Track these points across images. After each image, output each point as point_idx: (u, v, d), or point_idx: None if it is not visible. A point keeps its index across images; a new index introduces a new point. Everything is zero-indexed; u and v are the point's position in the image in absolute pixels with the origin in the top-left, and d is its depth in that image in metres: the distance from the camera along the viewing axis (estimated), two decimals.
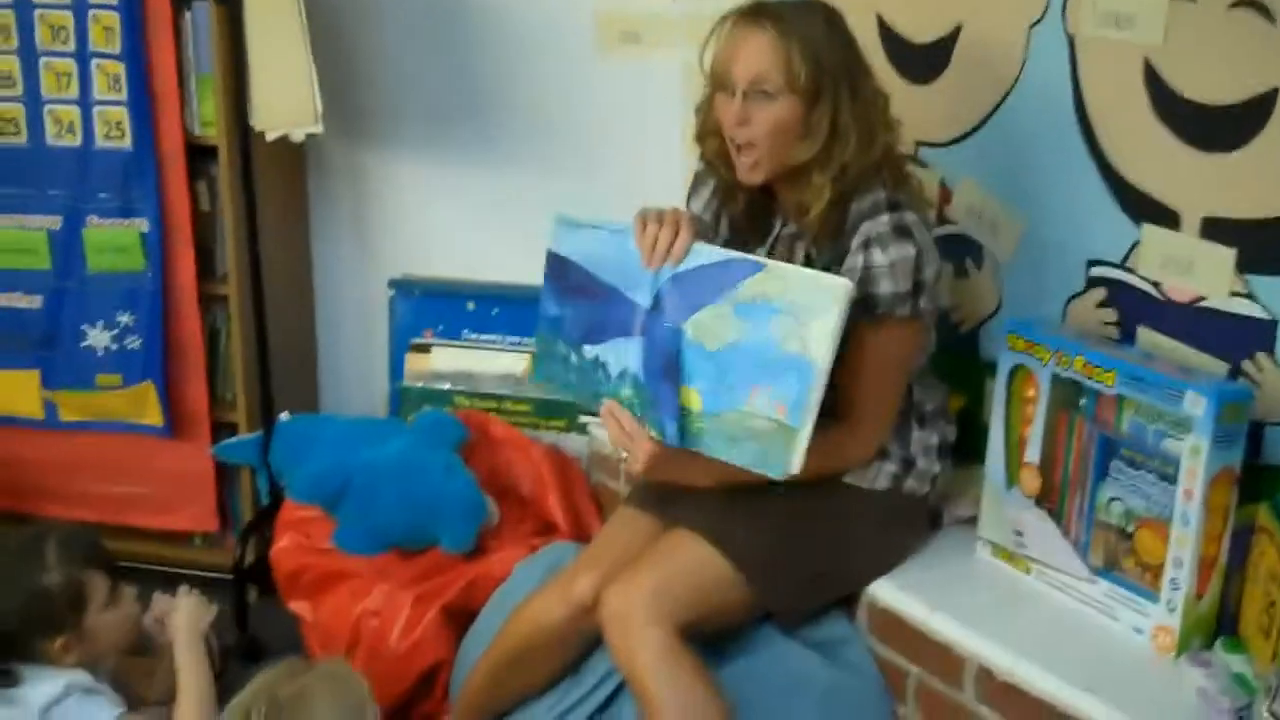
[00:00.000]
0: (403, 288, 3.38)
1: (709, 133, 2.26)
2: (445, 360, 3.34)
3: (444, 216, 3.39)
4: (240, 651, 3.09)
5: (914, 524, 2.43)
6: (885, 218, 2.17)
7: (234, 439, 3.20)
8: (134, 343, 3.15)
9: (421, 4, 3.25)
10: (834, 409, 2.16)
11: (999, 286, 2.62)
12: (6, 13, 3.00)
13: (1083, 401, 2.20)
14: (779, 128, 2.14)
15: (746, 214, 2.34)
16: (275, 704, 1.59)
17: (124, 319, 3.14)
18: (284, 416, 3.13)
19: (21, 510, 3.44)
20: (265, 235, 3.24)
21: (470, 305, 3.31)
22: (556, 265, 2.26)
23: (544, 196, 3.16)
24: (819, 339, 1.99)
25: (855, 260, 2.17)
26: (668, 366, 2.11)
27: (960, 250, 2.68)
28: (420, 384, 3.33)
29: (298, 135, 2.93)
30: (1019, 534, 2.33)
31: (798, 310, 2.01)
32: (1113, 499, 2.16)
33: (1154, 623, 2.12)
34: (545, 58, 3.19)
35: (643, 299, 2.14)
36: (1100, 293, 2.39)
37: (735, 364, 2.07)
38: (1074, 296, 2.44)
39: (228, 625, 3.09)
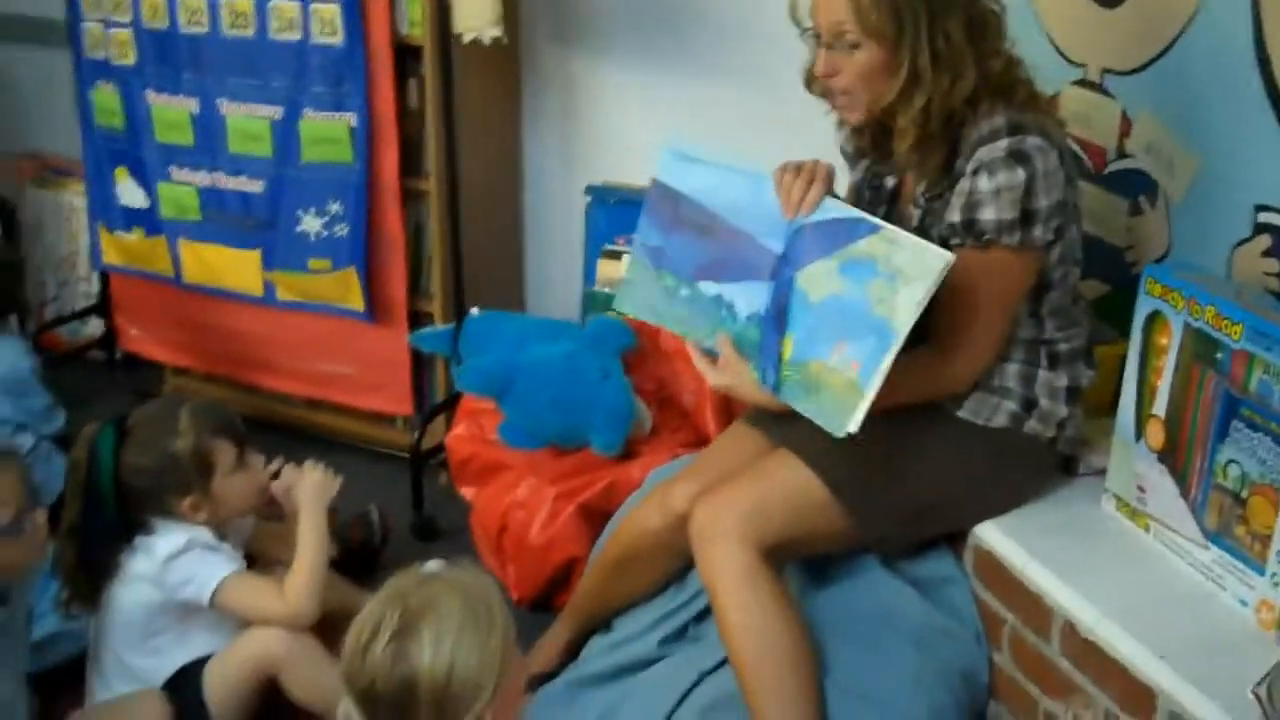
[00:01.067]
0: (599, 194, 3.44)
1: (813, 77, 2.21)
2: None
3: (642, 125, 3.42)
4: (415, 530, 3.27)
5: (1035, 467, 2.33)
6: (1004, 142, 2.08)
7: (429, 329, 3.35)
8: (342, 230, 3.33)
9: None
10: (932, 333, 2.10)
11: (1171, 227, 2.46)
12: None
13: (1219, 355, 2.05)
14: (867, 74, 2.09)
15: (873, 146, 2.29)
16: (407, 611, 1.68)
17: (334, 207, 3.32)
18: (474, 311, 3.25)
19: (241, 379, 3.72)
20: (473, 135, 3.36)
21: None
22: (666, 196, 2.26)
23: (740, 109, 3.19)
24: (904, 307, 1.97)
25: (964, 185, 2.10)
26: (779, 314, 2.11)
27: (1136, 186, 2.53)
28: (609, 289, 3.39)
29: (486, 38, 3.01)
30: (1141, 490, 2.21)
31: (895, 275, 2.00)
32: (1230, 461, 2.02)
33: (1259, 596, 1.98)
34: None
35: (776, 246, 2.13)
36: (1265, 240, 2.22)
37: (829, 317, 2.06)
38: (1240, 243, 2.27)
39: (404, 503, 3.28)
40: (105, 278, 3.89)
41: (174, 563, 2.33)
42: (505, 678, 1.68)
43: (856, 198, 2.39)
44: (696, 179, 2.24)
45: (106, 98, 3.56)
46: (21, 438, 3.17)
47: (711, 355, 2.21)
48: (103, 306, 3.95)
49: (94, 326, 4.06)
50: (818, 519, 2.21)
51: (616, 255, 3.40)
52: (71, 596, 2.43)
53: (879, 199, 2.35)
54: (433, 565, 1.78)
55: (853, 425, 1.99)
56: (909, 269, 1.99)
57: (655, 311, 2.29)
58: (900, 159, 2.21)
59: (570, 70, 3.50)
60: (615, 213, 3.41)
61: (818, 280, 2.09)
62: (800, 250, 2.11)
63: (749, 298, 2.17)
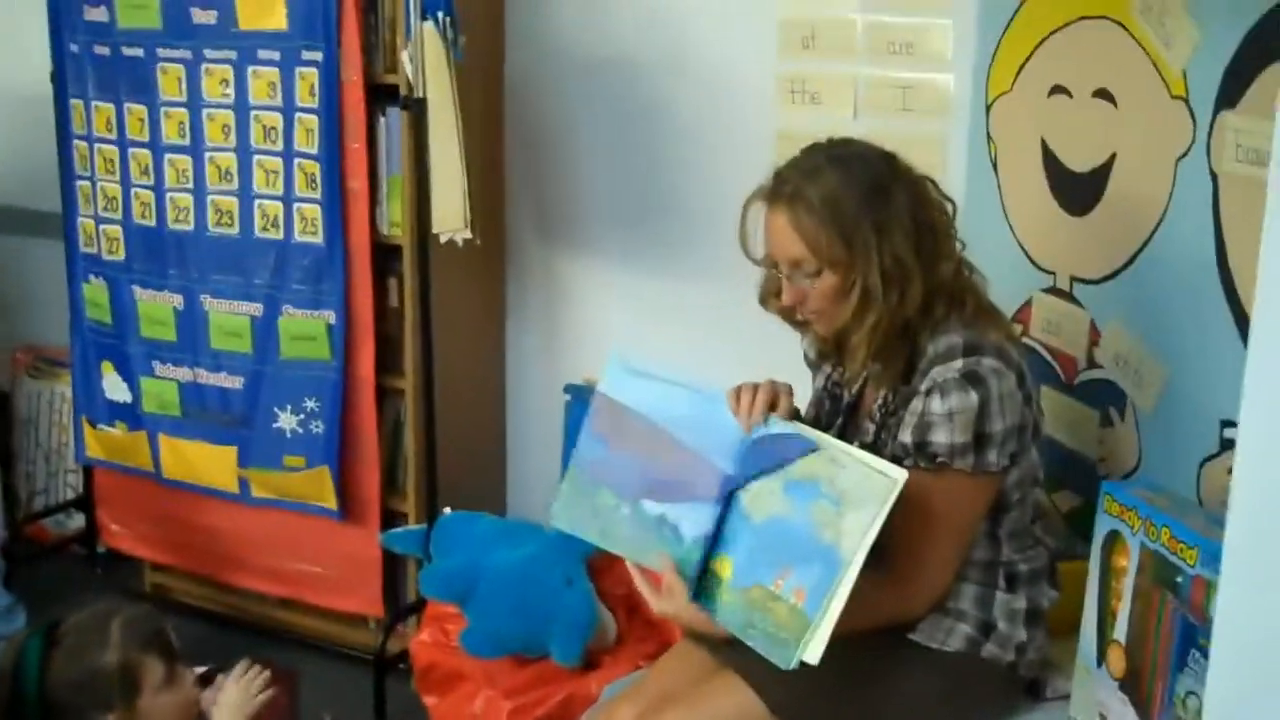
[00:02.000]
0: (578, 392, 3.39)
1: (769, 294, 2.18)
2: None
3: (622, 323, 3.40)
4: None
5: (994, 693, 2.20)
6: (958, 363, 2.02)
7: (401, 529, 3.29)
8: (317, 427, 3.29)
9: (613, 119, 3.31)
10: (883, 557, 2.01)
11: (1141, 440, 2.38)
12: (228, 113, 3.23)
13: (1179, 579, 1.94)
14: (832, 296, 2.06)
15: (836, 350, 2.24)
16: None
17: (310, 404, 3.29)
18: (446, 511, 3.19)
19: (217, 578, 3.65)
20: (455, 332, 3.35)
21: None
22: (610, 409, 2.20)
23: (723, 307, 3.15)
24: (851, 533, 1.90)
25: (917, 405, 2.04)
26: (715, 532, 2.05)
27: (1107, 397, 2.46)
28: None
29: (459, 240, 3.01)
30: (1104, 719, 2.08)
31: (840, 498, 1.93)
32: (1189, 693, 1.90)
33: None
34: (728, 171, 3.16)
35: (726, 465, 2.06)
36: (1232, 457, 2.12)
37: (771, 541, 1.98)
38: (1208, 458, 2.18)
39: (365, 711, 3.18)
40: (89, 471, 3.87)
41: None
42: None
43: (818, 407, 2.33)
44: (644, 393, 2.17)
45: (96, 291, 3.58)
46: None
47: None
48: (86, 500, 3.92)
49: (79, 520, 4.02)
50: None
51: None
52: None
53: (837, 410, 2.29)
54: None
55: (809, 656, 1.90)
56: (854, 492, 1.92)
57: (593, 529, 2.19)
58: (855, 372, 2.17)
59: (553, 268, 3.50)
60: None
61: (761, 499, 2.01)
62: (745, 466, 2.04)
63: (695, 519, 2.06)
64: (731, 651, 2.17)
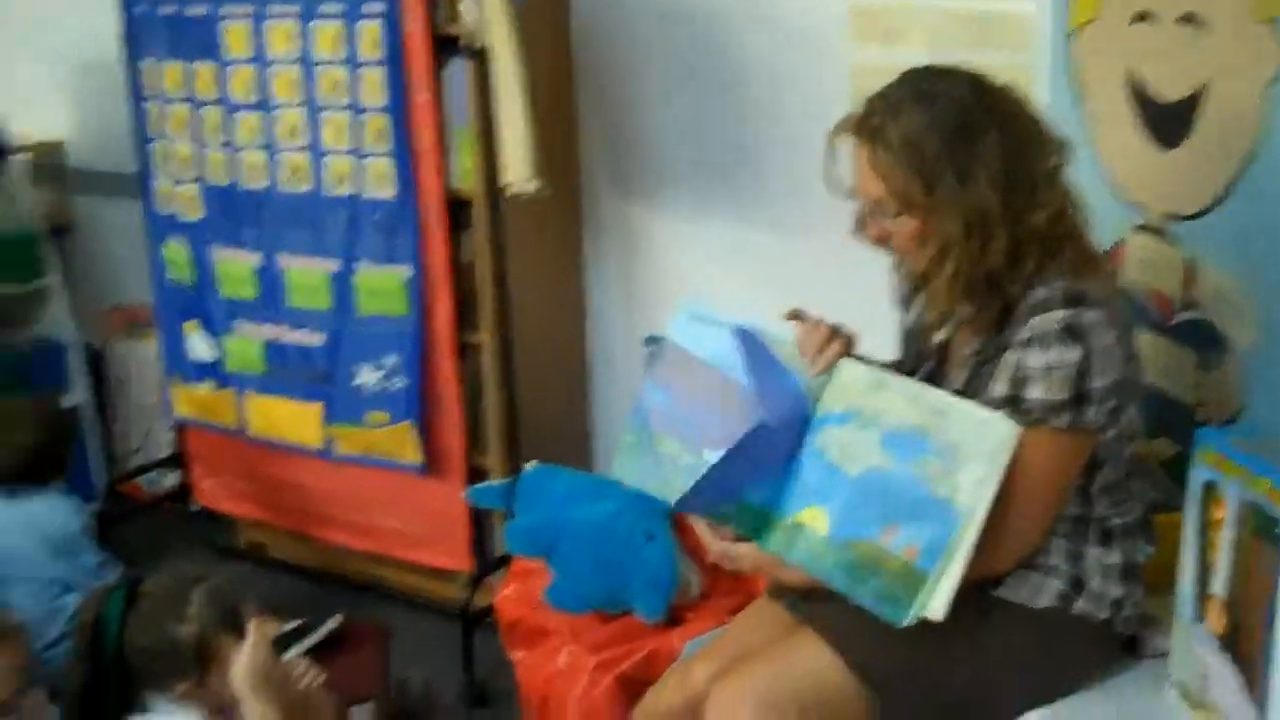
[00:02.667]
0: (658, 344, 3.32)
1: (861, 224, 2.08)
2: None
3: (702, 274, 3.32)
4: (464, 696, 3.15)
5: (1088, 652, 2.11)
6: (1059, 314, 1.90)
7: (485, 484, 3.26)
8: (399, 383, 3.28)
9: (684, 63, 3.22)
10: None
11: (1243, 383, 2.26)
12: (294, 69, 3.20)
13: (1279, 531, 1.84)
14: (915, 239, 1.97)
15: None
16: None
17: (390, 360, 3.27)
18: (529, 466, 3.16)
19: (307, 534, 3.67)
20: (532, 286, 3.30)
21: None
22: (676, 358, 2.14)
23: (800, 257, 3.07)
24: (968, 487, 1.85)
25: (1012, 357, 1.93)
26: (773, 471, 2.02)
27: (1204, 338, 2.34)
28: None
29: (528, 191, 2.95)
30: (1205, 678, 1.99)
31: (950, 451, 1.88)
32: None
33: None
34: (802, 114, 3.07)
35: (779, 408, 2.01)
36: None
37: (872, 495, 1.94)
38: None
39: (453, 665, 3.18)
40: (181, 430, 3.90)
41: None
42: None
43: (904, 348, 2.25)
44: (709, 340, 2.12)
45: (176, 252, 3.59)
46: (68, 598, 3.14)
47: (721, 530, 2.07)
48: (179, 458, 3.95)
49: (173, 478, 4.06)
50: (843, 706, 2.03)
51: None
52: None
53: (924, 352, 2.20)
54: None
55: (930, 612, 1.86)
56: (967, 445, 1.87)
57: (654, 480, 2.14)
58: (937, 318, 2.08)
59: (629, 218, 3.43)
60: None
61: (854, 451, 1.96)
62: (817, 412, 1.99)
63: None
64: (810, 608, 2.12)
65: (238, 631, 2.31)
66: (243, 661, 2.25)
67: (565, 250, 3.48)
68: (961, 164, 1.91)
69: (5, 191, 3.95)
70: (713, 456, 2.05)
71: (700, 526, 2.09)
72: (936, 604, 1.86)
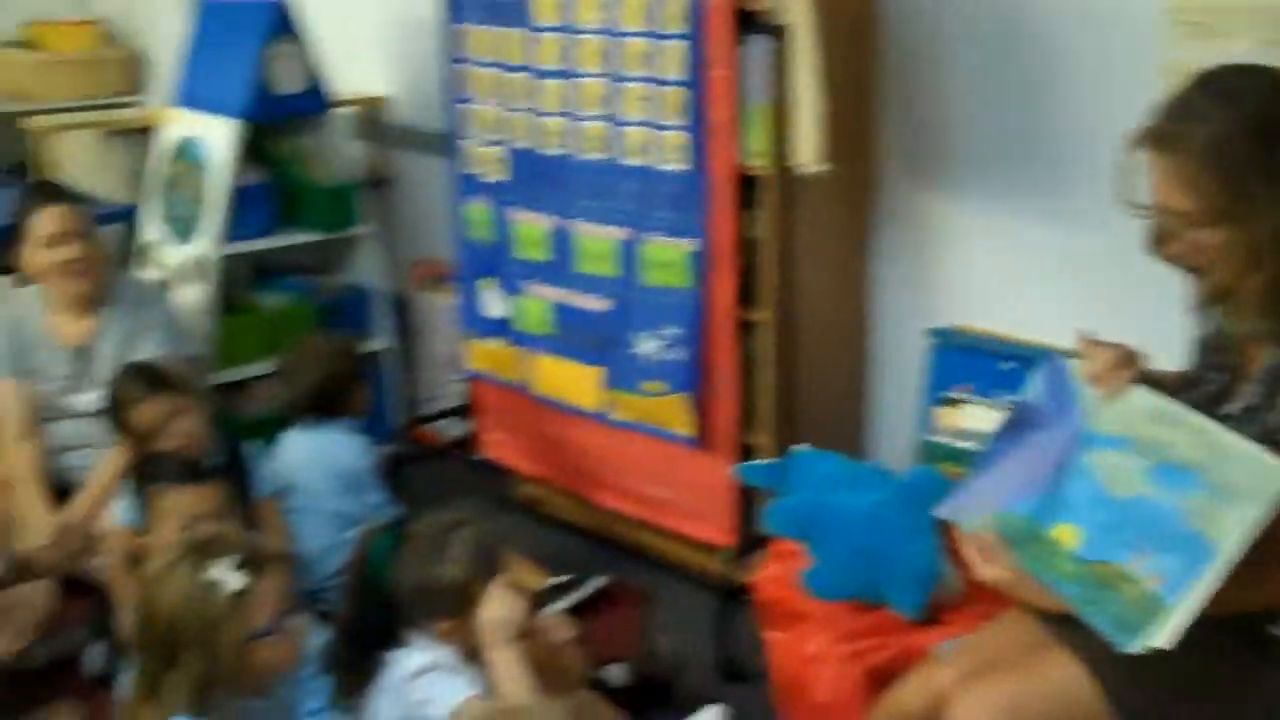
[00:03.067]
0: (942, 338, 3.25)
1: (1158, 239, 1.97)
2: (975, 419, 3.18)
3: (993, 269, 3.22)
4: (718, 668, 3.17)
5: None
6: None
7: (754, 462, 3.26)
8: (677, 354, 3.31)
9: (990, 51, 3.12)
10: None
11: None
12: (600, 39, 3.26)
13: None
14: (1220, 250, 1.86)
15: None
16: None
17: (670, 331, 3.31)
18: (800, 448, 3.14)
19: (580, 494, 3.76)
20: (817, 267, 3.28)
21: (1005, 365, 3.12)
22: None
23: (1100, 255, 2.94)
24: (1230, 528, 1.78)
25: None
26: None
27: None
28: (944, 439, 3.20)
29: (814, 172, 2.92)
30: None
31: (1220, 490, 1.81)
32: None
33: None
34: (1111, 109, 2.92)
35: (1056, 423, 2.00)
36: None
37: (1132, 521, 1.88)
38: None
39: (707, 636, 3.20)
40: (472, 382, 4.04)
41: (417, 681, 2.33)
42: None
43: (1194, 359, 2.13)
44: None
45: (478, 211, 3.72)
46: (352, 532, 3.31)
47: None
48: (468, 409, 4.10)
49: (461, 427, 4.23)
50: None
51: (956, 404, 3.20)
52: (341, 693, 2.49)
53: (1216, 365, 2.08)
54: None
55: (1159, 641, 1.78)
56: (1241, 484, 1.79)
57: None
58: (1238, 332, 1.96)
59: (921, 204, 3.35)
60: (957, 358, 3.21)
61: (1123, 475, 1.92)
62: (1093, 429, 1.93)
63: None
64: (1064, 626, 2.04)
65: (495, 579, 2.39)
66: (492, 611, 2.33)
67: (853, 234, 3.42)
68: (1272, 166, 1.79)
69: (328, 144, 4.17)
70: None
71: (964, 540, 2.04)
72: (1165, 635, 1.78)
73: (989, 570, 1.97)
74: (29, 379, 3.66)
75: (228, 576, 2.13)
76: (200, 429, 3.34)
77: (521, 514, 4.01)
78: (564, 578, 3.47)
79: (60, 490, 3.62)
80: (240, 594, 2.13)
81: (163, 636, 2.15)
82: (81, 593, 3.39)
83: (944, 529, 2.81)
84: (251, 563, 2.16)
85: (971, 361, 3.19)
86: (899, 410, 3.47)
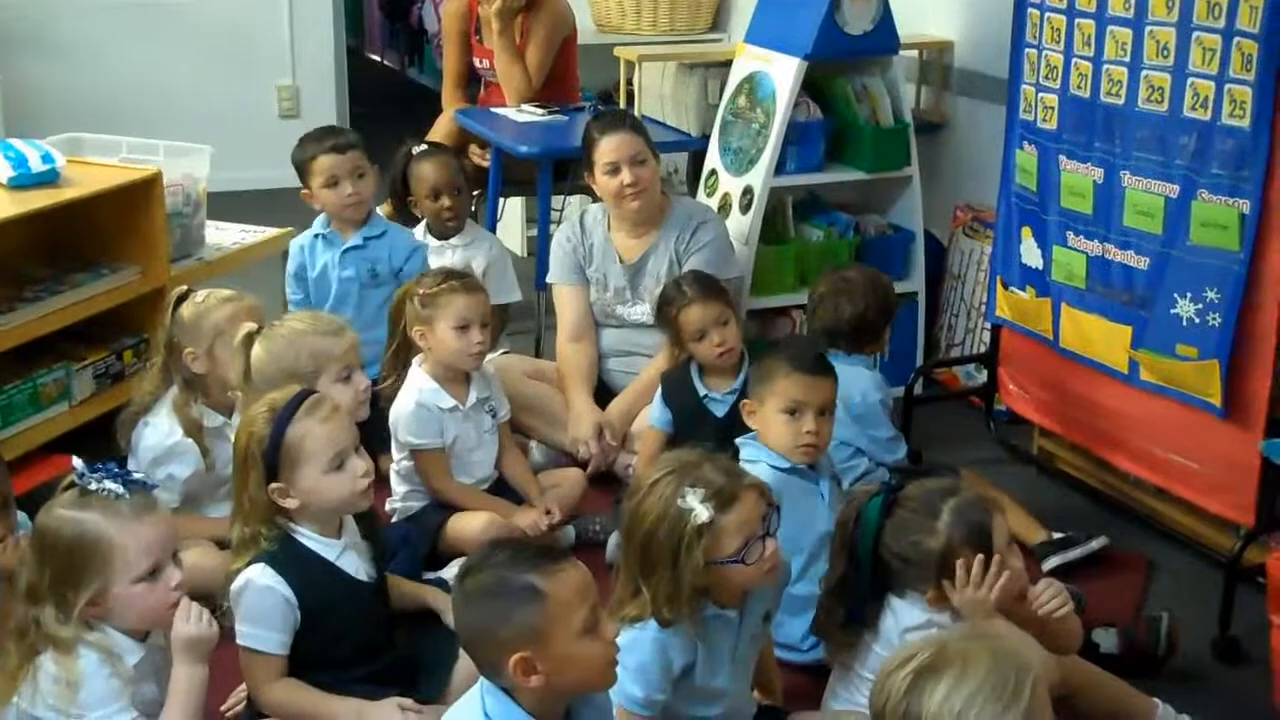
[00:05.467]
0: None
1: None
2: None
3: None
4: (1214, 647, 3.06)
5: None
6: None
7: None
8: (1214, 319, 3.18)
9: None
10: None
11: None
12: None
13: None
14: None
15: None
16: (940, 652, 1.72)
17: (1210, 294, 3.18)
18: None
19: (1094, 450, 3.70)
20: None
21: None
22: None
23: None
24: None
25: None
26: None
27: None
28: None
29: None
30: None
31: None
32: None
33: None
34: None
35: None
36: None
37: None
38: None
39: (1208, 613, 3.09)
40: (996, 330, 4.05)
41: (908, 637, 2.36)
42: None
43: None
44: None
45: (1026, 158, 3.71)
46: (856, 461, 3.43)
47: None
48: (990, 358, 4.11)
49: (982, 375, 4.24)
50: None
51: None
52: (832, 649, 2.61)
53: None
54: None
55: None
56: None
57: None
58: None
59: None
60: None
61: None
62: None
63: None
64: None
65: (981, 549, 2.41)
66: (970, 593, 2.37)
67: None
68: None
69: (888, 85, 4.27)
70: None
71: None
72: None
73: None
74: (587, 287, 4.04)
75: (698, 507, 2.27)
76: (739, 341, 3.57)
77: (1032, 466, 3.98)
78: (1063, 535, 3.44)
79: (603, 391, 3.99)
80: (708, 525, 2.26)
81: (640, 545, 2.33)
82: (610, 486, 3.73)
83: None
84: (723, 495, 2.29)
85: None
86: None
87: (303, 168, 3.98)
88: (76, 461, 2.34)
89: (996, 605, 2.37)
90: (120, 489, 2.27)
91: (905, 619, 2.45)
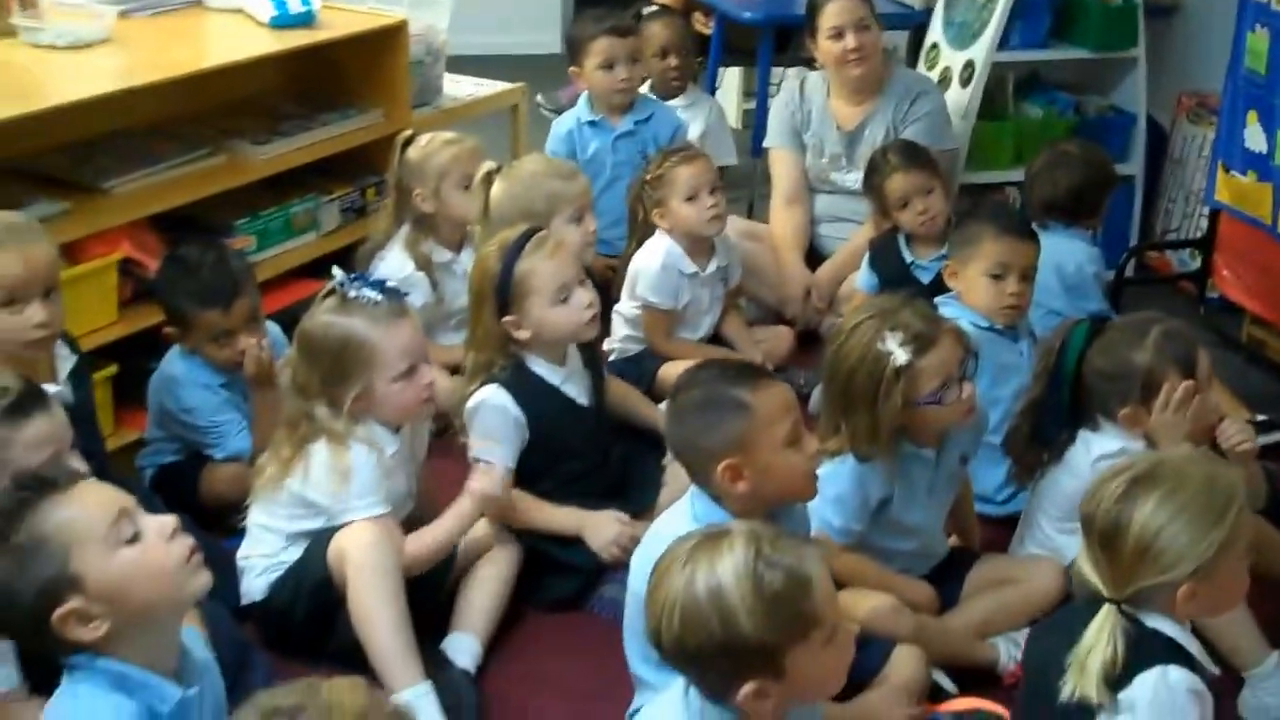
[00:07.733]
0: None
1: None
2: None
3: None
4: None
5: None
6: None
7: None
8: None
9: None
10: None
11: None
12: None
13: None
14: None
15: None
16: (1157, 464, 1.82)
17: None
18: None
19: None
20: None
21: None
22: None
23: None
24: None
25: None
26: None
27: None
28: None
29: None
30: None
31: None
32: None
33: None
34: None
35: None
36: None
37: None
38: None
39: None
40: (1214, 216, 4.02)
41: (1100, 465, 2.41)
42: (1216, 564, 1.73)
43: None
44: None
45: (1258, 41, 3.66)
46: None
47: None
48: (1206, 243, 4.08)
49: (1196, 260, 4.21)
50: None
51: None
52: (1021, 470, 2.71)
53: None
54: None
55: None
56: None
57: None
58: None
59: None
60: None
61: None
62: None
63: None
64: None
65: (1187, 373, 2.47)
66: (1169, 414, 2.44)
67: None
68: None
69: None
70: None
71: None
72: None
73: None
74: (803, 153, 4.12)
75: (897, 350, 2.37)
76: (944, 210, 3.63)
77: (1241, 353, 3.96)
78: (1268, 417, 3.44)
79: (814, 255, 4.09)
80: (906, 366, 2.36)
81: (841, 386, 2.45)
82: (814, 344, 3.85)
83: None
84: (921, 339, 2.39)
85: None
86: None
87: (578, 46, 3.99)
88: (337, 271, 2.57)
89: (1188, 434, 2.43)
90: (377, 295, 2.49)
91: (1097, 447, 2.53)
